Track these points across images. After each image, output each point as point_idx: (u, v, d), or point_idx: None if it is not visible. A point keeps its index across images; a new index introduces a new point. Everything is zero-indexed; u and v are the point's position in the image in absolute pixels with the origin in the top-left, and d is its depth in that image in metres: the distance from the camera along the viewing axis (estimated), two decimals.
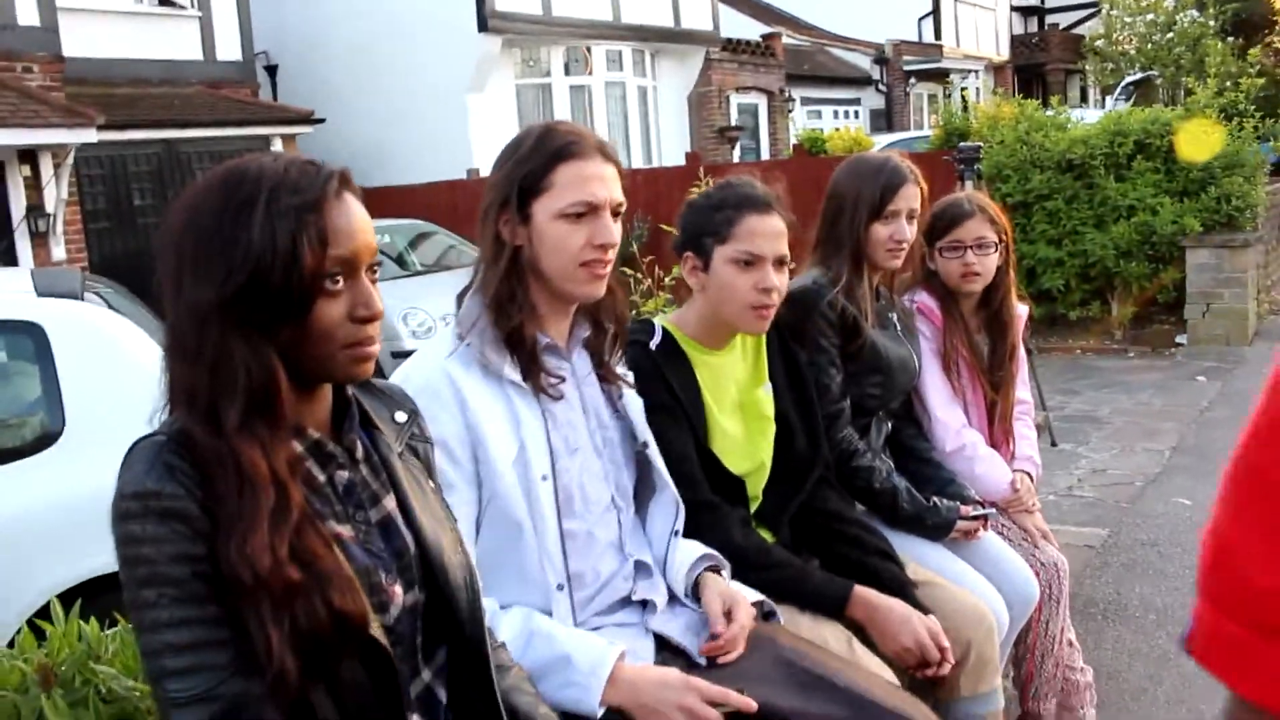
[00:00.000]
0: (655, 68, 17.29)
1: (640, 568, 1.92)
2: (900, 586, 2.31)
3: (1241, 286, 8.38)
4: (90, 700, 1.71)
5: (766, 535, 2.34)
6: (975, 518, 2.70)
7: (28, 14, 10.92)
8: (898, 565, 2.39)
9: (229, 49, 13.71)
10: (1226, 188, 8.38)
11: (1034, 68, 28.67)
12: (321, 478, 1.34)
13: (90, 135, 10.31)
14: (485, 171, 12.84)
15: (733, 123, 18.27)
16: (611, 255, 1.80)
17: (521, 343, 1.79)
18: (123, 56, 12.19)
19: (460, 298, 1.87)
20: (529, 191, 1.77)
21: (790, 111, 20.23)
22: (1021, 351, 3.12)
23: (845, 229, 2.66)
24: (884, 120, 23.13)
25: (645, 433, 1.96)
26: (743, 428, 2.31)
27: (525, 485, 1.76)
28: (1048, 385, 6.37)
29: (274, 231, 1.23)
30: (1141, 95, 16.97)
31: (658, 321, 2.32)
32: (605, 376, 1.93)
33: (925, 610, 2.25)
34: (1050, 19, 32.03)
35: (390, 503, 1.41)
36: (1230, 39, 20.94)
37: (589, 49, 16.00)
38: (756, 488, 2.34)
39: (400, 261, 9.92)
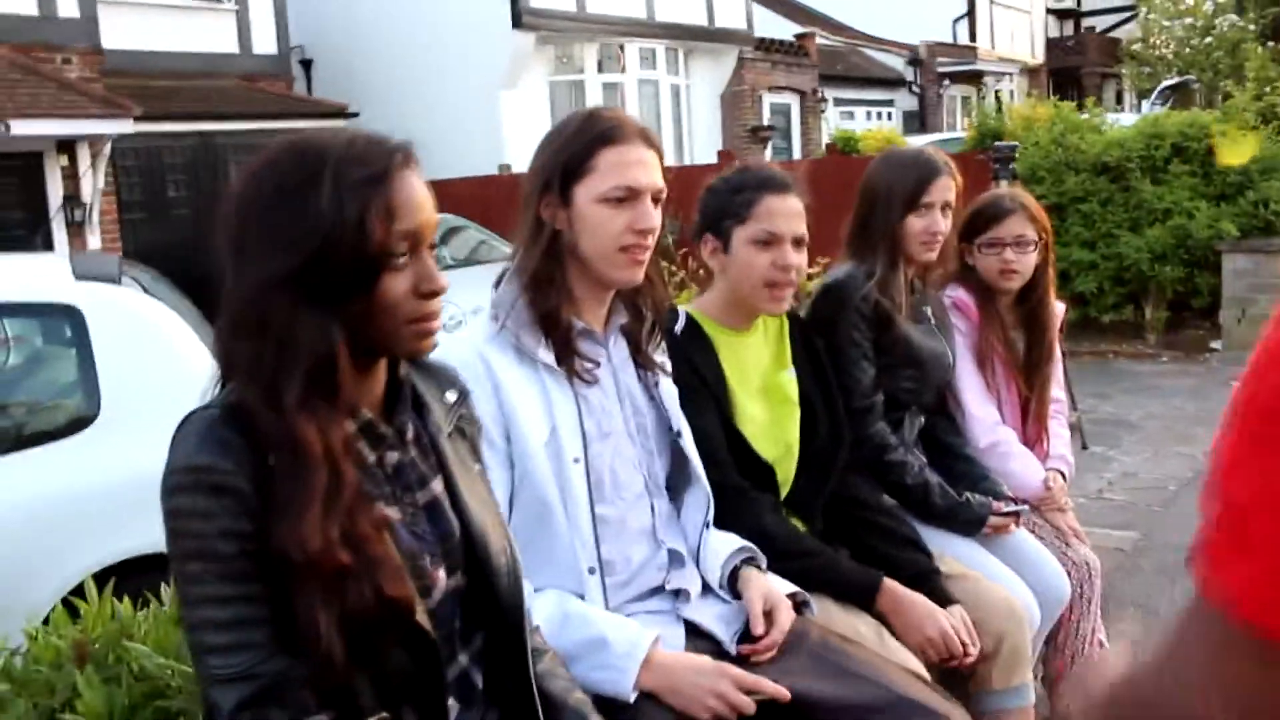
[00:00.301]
0: (688, 66, 17.28)
1: (674, 557, 1.92)
2: (928, 576, 2.31)
3: (1277, 292, 8.28)
4: (123, 677, 1.73)
5: (799, 524, 2.34)
6: (1008, 514, 2.69)
7: (68, 6, 11.06)
8: (926, 555, 2.39)
9: (265, 42, 13.82)
10: (1264, 192, 8.29)
11: (1069, 71, 28.46)
12: (372, 458, 1.34)
13: (127, 126, 10.43)
14: (517, 167, 12.89)
15: (765, 122, 18.23)
16: (651, 241, 1.81)
17: (557, 326, 1.79)
18: (160, 49, 12.31)
19: (499, 282, 1.88)
20: (571, 175, 1.78)
21: (823, 112, 20.17)
22: (1057, 351, 3.10)
23: (879, 222, 2.65)
24: (917, 122, 23.03)
25: (680, 421, 1.97)
26: (767, 410, 2.31)
27: (557, 468, 1.77)
28: (1079, 388, 6.29)
29: (342, 204, 1.23)
30: (1178, 100, 16.83)
31: (681, 307, 2.33)
32: (642, 363, 1.93)
33: (953, 601, 2.25)
34: (1086, 22, 31.77)
35: (438, 485, 1.42)
36: (1270, 44, 20.71)
37: (622, 47, 16.00)
38: (786, 474, 2.34)
39: None
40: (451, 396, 1.52)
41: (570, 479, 1.77)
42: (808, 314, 2.62)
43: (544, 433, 1.76)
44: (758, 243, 2.19)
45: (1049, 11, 29.92)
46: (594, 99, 15.47)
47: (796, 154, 18.87)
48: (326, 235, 1.23)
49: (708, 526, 1.98)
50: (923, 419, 2.83)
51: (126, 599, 1.98)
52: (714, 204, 2.28)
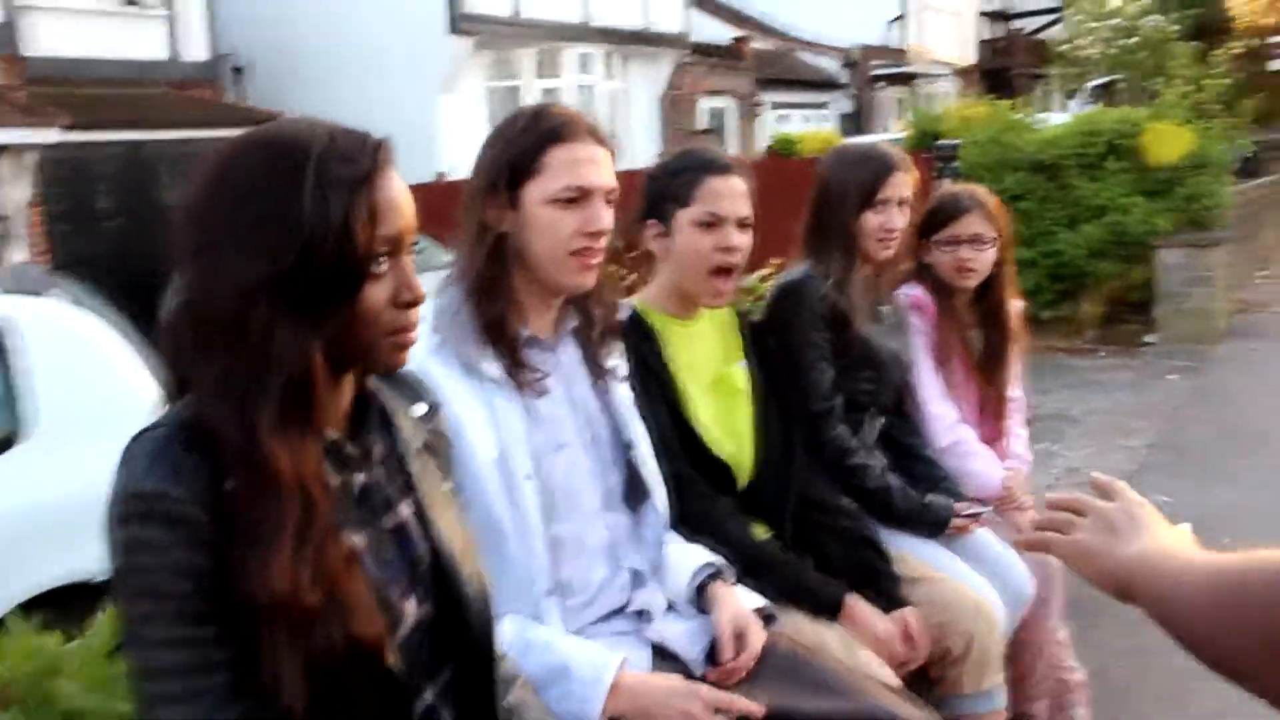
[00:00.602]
0: (626, 71, 17.27)
1: (636, 576, 1.85)
2: (879, 577, 2.29)
3: (1210, 286, 8.43)
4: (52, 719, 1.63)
5: (763, 530, 2.30)
6: (969, 516, 2.67)
7: None
8: (883, 557, 2.36)
9: (195, 49, 13.57)
10: (1196, 187, 8.44)
11: (1000, 72, 28.86)
12: (337, 482, 1.23)
13: (53, 135, 10.15)
14: (455, 174, 12.70)
15: (703, 126, 18.26)
16: (603, 243, 1.74)
17: (502, 336, 1.72)
18: (87, 56, 12.02)
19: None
20: (518, 174, 1.71)
21: (760, 115, 20.25)
22: (1016, 349, 3.10)
23: (834, 219, 2.61)
24: (853, 124, 23.21)
25: (634, 431, 1.90)
26: (718, 402, 2.27)
27: (507, 486, 1.69)
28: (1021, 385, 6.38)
29: (326, 205, 1.13)
30: (1106, 99, 17.12)
31: (625, 300, 2.28)
32: (594, 370, 1.86)
33: (906, 603, 2.24)
34: (1016, 24, 32.25)
35: (406, 508, 1.32)
36: (1192, 43, 21.16)
37: (559, 52, 15.95)
38: (740, 468, 2.29)
39: None
40: (421, 409, 1.42)
41: (522, 497, 1.70)
42: (763, 315, 2.59)
43: (492, 450, 1.68)
44: (701, 225, 2.16)
45: (981, 14, 30.33)
46: (531, 105, 15.33)
47: None
48: (309, 239, 1.12)
49: (667, 543, 1.92)
50: (882, 420, 2.81)
51: (57, 633, 1.86)
52: (656, 188, 2.24)
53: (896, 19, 25.61)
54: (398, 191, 1.21)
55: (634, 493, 1.91)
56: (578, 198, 1.71)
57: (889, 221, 2.57)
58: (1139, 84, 20.42)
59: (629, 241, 2.31)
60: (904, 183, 2.59)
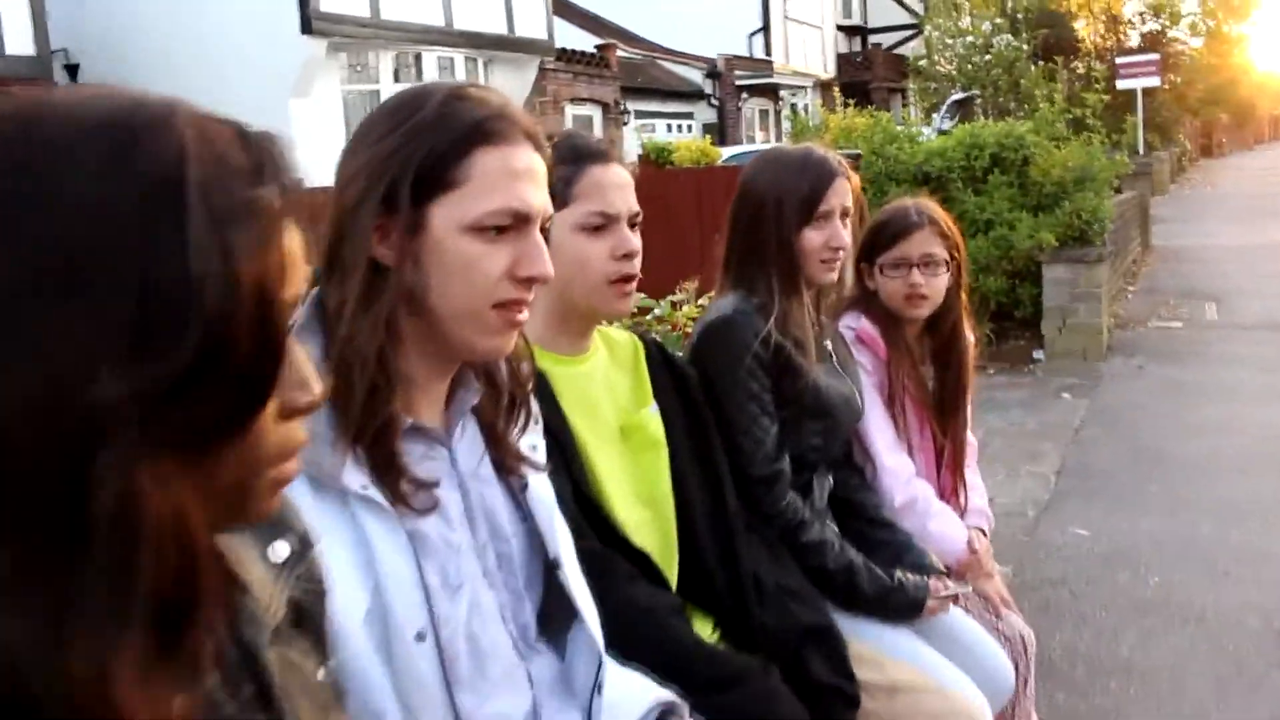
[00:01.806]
0: (489, 76, 16.73)
1: None
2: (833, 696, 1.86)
3: (1096, 301, 8.36)
4: None
5: (705, 628, 1.84)
6: (947, 596, 2.26)
7: None
8: (837, 658, 1.92)
9: (20, 42, 12.48)
10: (1079, 202, 8.36)
11: (859, 85, 29.24)
12: None
13: None
14: (308, 184, 12.36)
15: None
16: (532, 296, 1.24)
17: (373, 429, 1.18)
18: None
19: None
20: (427, 185, 1.19)
21: (626, 124, 19.97)
22: (970, 387, 2.71)
23: (769, 239, 2.17)
24: (717, 134, 23.14)
25: (558, 543, 1.38)
26: (627, 457, 1.80)
27: (389, 652, 1.17)
28: None
29: (229, 253, 0.66)
30: (964, 114, 17.32)
31: None
32: (503, 461, 1.34)
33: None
34: (874, 39, 32.85)
35: None
36: (1040, 63, 21.73)
37: (419, 55, 15.33)
38: (665, 552, 1.82)
39: None
40: (281, 551, 0.91)
41: (415, 665, 1.17)
42: (687, 361, 2.12)
43: (361, 601, 1.16)
44: (588, 229, 1.70)
45: (839, 28, 30.76)
46: None
47: None
48: (211, 317, 0.64)
49: (600, 689, 1.39)
50: (831, 478, 2.38)
51: None
52: None
53: (758, 30, 25.71)
54: (296, 233, 0.73)
55: (556, 616, 1.40)
56: (511, 226, 1.21)
57: (834, 238, 2.15)
58: (993, 100, 20.83)
59: None
60: (846, 191, 2.17)
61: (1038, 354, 8.50)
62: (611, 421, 1.80)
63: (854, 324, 2.54)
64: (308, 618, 0.94)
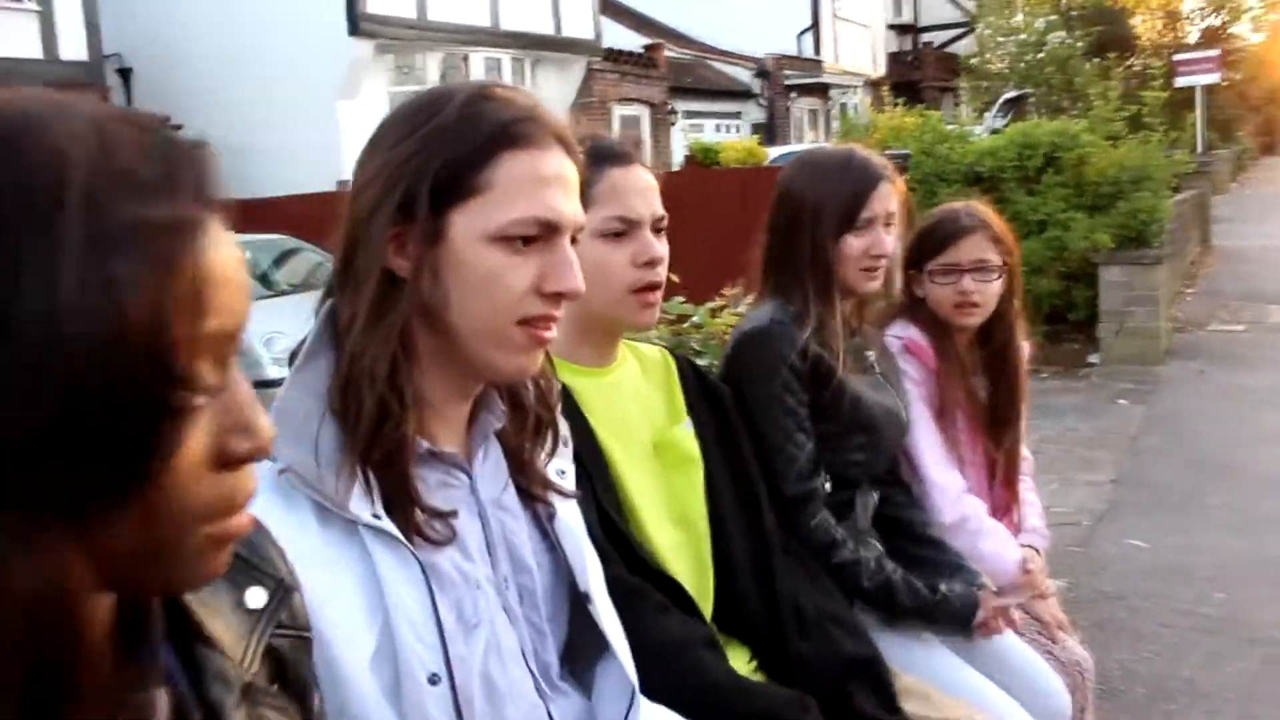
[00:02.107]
0: (535, 77, 16.72)
1: None
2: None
3: (1153, 304, 8.12)
4: None
5: (741, 661, 1.73)
6: (999, 608, 2.14)
7: None
8: (883, 691, 1.79)
9: (74, 48, 12.66)
10: (1136, 202, 8.12)
11: (910, 84, 28.94)
12: None
13: None
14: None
15: (617, 133, 17.79)
16: (560, 312, 1.14)
17: (384, 455, 1.08)
18: None
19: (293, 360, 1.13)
20: (448, 191, 1.09)
21: (674, 124, 19.87)
22: (1025, 399, 2.57)
23: (806, 244, 2.06)
24: (766, 133, 22.97)
25: (588, 575, 1.26)
26: (661, 478, 1.69)
27: (398, 697, 1.06)
28: None
29: (110, 283, 0.57)
30: (1017, 113, 17.04)
31: None
32: (529, 488, 1.24)
33: None
34: (924, 37, 32.50)
35: None
36: (1095, 60, 21.35)
37: (466, 56, 15.33)
38: (694, 569, 1.71)
39: (264, 280, 9.05)
40: (257, 598, 0.83)
41: (426, 710, 1.06)
42: (721, 373, 2.03)
43: (369, 642, 1.05)
44: (608, 235, 1.59)
45: (889, 26, 30.46)
46: None
47: None
48: (77, 355, 0.55)
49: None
50: (876, 496, 2.25)
51: None
52: None
53: (807, 29, 25.49)
54: (231, 248, 0.62)
55: (584, 651, 1.30)
56: (539, 236, 1.11)
57: (876, 245, 2.04)
58: (1046, 99, 20.50)
59: None
60: (890, 196, 2.06)
61: (1093, 358, 8.28)
62: (643, 437, 1.70)
63: (901, 333, 2.42)
64: (289, 668, 0.86)
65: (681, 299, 3.33)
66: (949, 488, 2.36)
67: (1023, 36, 23.69)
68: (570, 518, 1.26)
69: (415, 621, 1.06)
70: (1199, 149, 17.18)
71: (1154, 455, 6.00)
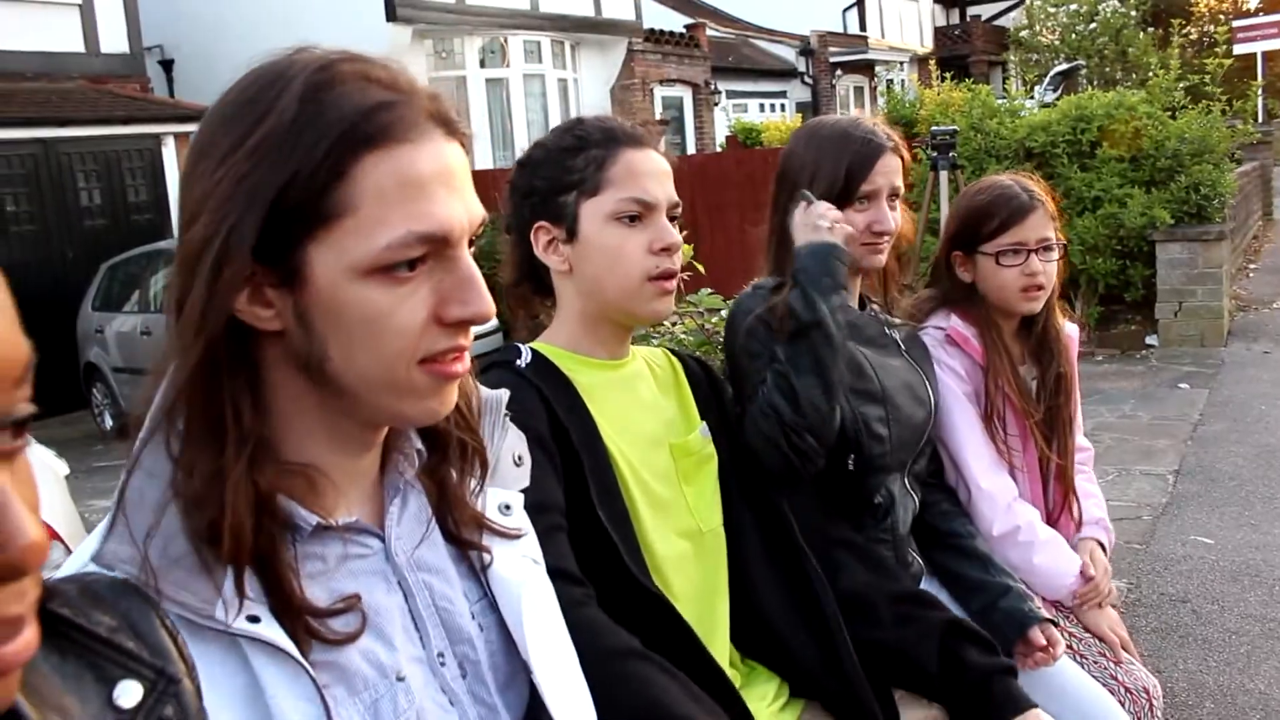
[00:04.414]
0: (576, 59, 16.53)
1: None
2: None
3: (1215, 283, 7.79)
4: None
5: (764, 695, 1.58)
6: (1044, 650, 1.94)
7: None
8: (983, 642, 1.69)
9: (114, 40, 12.62)
10: (1196, 176, 7.79)
11: (958, 59, 28.40)
12: None
13: None
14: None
15: (657, 116, 17.53)
16: (468, 341, 0.90)
17: (251, 547, 0.84)
18: None
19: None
20: (295, 221, 0.84)
21: (717, 104, 19.60)
22: (1077, 386, 2.35)
23: None
24: (811, 113, 22.62)
25: (528, 645, 1.01)
26: (674, 487, 1.57)
27: None
28: None
29: None
30: (1068, 86, 16.59)
31: (523, 345, 1.57)
32: (458, 534, 1.01)
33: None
34: (972, 10, 31.87)
35: None
36: (1150, 29, 20.79)
37: (505, 40, 15.17)
38: (709, 593, 1.58)
39: None
40: (131, 695, 0.68)
41: None
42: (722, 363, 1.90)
43: None
44: (623, 218, 1.50)
45: (936, 0, 29.90)
46: (477, 96, 14.60)
47: (691, 148, 18.26)
48: None
49: None
50: (917, 499, 2.06)
51: None
52: (543, 176, 1.53)
53: (853, 5, 25.05)
54: None
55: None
56: (430, 251, 0.86)
57: (879, 220, 1.91)
58: (1099, 70, 19.99)
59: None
60: (894, 169, 1.93)
61: (1151, 340, 7.98)
62: (655, 441, 1.58)
63: (943, 324, 2.23)
64: None
65: (709, 290, 3.13)
66: (998, 495, 2.17)
67: (1074, 7, 23.12)
68: (510, 568, 1.04)
69: None
70: (1259, 118, 16.64)
71: (1218, 443, 5.71)
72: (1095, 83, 18.77)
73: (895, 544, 1.96)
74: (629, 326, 1.61)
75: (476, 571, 1.03)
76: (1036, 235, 2.17)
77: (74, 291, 9.94)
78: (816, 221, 1.77)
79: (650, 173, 1.52)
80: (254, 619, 0.83)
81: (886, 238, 1.93)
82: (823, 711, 1.61)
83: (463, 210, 0.87)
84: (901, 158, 1.95)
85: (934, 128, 5.73)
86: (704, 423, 1.66)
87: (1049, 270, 2.19)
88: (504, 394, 1.10)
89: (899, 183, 1.94)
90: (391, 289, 0.85)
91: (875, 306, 2.09)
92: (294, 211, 0.83)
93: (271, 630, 0.83)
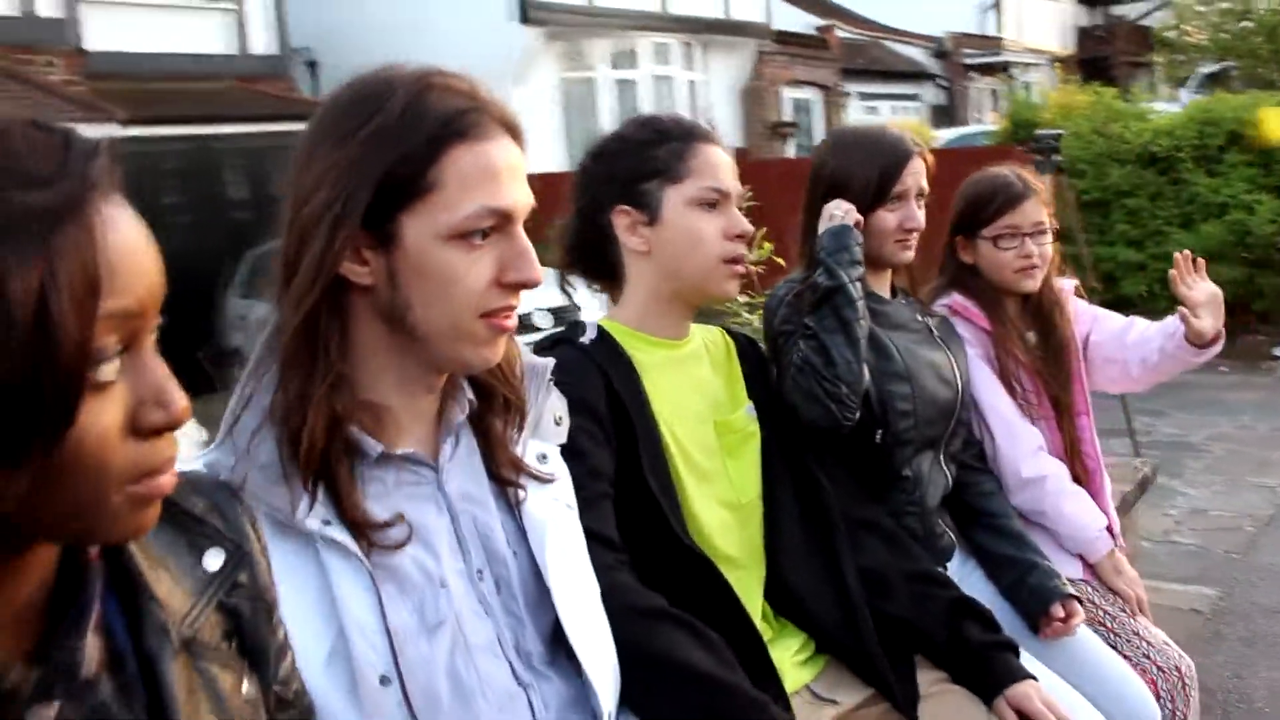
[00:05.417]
0: (705, 61, 16.66)
1: None
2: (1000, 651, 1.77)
3: None
4: None
5: (790, 648, 1.73)
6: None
7: (48, 5, 10.53)
8: (985, 620, 1.82)
9: (264, 42, 13.30)
10: None
11: (1099, 61, 27.58)
12: None
13: (113, 131, 9.88)
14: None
15: (785, 118, 17.55)
16: (518, 302, 1.14)
17: (330, 463, 1.09)
18: (150, 50, 11.75)
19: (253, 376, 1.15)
20: (397, 194, 1.08)
21: (846, 107, 19.50)
22: (1078, 345, 2.47)
23: None
24: (945, 116, 22.27)
25: (549, 572, 1.22)
26: (718, 460, 1.73)
27: (351, 697, 1.07)
28: (1131, 404, 5.63)
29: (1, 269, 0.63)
30: (1217, 88, 16.04)
31: (590, 322, 1.73)
32: (498, 473, 1.23)
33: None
34: (1117, 10, 30.90)
35: None
36: None
37: (635, 42, 15.41)
38: (753, 560, 1.74)
39: None
40: (214, 561, 0.88)
41: (382, 707, 1.08)
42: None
43: (323, 646, 1.07)
44: (703, 205, 1.67)
45: (1078, 1, 29.11)
46: (607, 97, 14.87)
47: None
48: None
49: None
50: (950, 475, 2.18)
51: None
52: (625, 165, 1.70)
53: (990, 6, 24.58)
54: (130, 232, 0.68)
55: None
56: (494, 227, 1.11)
57: (909, 218, 2.08)
58: (1251, 71, 19.22)
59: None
60: (921, 171, 2.10)
61: (1277, 351, 7.74)
62: (704, 417, 1.74)
63: (946, 301, 2.40)
64: (246, 630, 0.90)
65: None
66: (1023, 439, 2.32)
67: (1226, 4, 22.29)
68: (540, 507, 1.25)
69: (364, 627, 1.08)
70: None
71: None
72: (1247, 85, 18.10)
73: (923, 515, 2.08)
74: (696, 306, 1.77)
75: (512, 507, 1.23)
76: (1030, 220, 2.34)
77: (220, 280, 10.53)
78: (833, 212, 1.96)
79: (724, 165, 1.70)
80: (326, 522, 1.07)
81: (915, 234, 2.10)
82: (843, 668, 1.75)
83: (524, 195, 1.12)
84: (926, 160, 2.12)
85: (1038, 131, 5.71)
86: (750, 401, 1.81)
87: (1043, 251, 2.37)
88: (550, 362, 1.32)
89: (925, 184, 2.10)
90: (466, 253, 1.09)
91: (905, 297, 2.24)
92: (395, 187, 1.07)
93: (339, 533, 1.07)
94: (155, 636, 0.80)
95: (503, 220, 1.10)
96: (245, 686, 0.88)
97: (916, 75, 23.03)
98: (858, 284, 1.90)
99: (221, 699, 0.85)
